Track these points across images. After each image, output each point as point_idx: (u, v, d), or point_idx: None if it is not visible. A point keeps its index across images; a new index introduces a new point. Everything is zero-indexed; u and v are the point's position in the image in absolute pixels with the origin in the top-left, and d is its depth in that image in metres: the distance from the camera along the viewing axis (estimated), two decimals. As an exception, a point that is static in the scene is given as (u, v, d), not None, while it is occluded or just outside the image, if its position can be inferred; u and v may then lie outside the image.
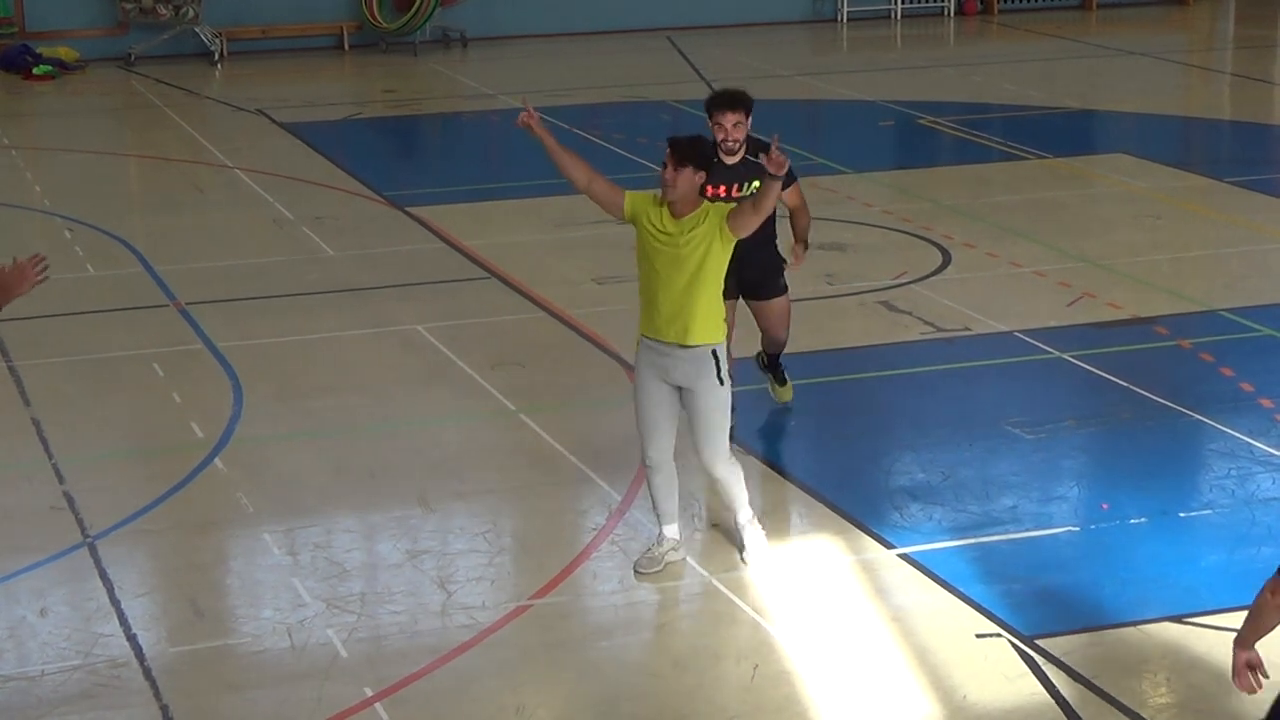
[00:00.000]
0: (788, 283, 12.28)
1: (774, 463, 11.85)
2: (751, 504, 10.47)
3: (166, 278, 16.25)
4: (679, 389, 9.93)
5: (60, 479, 11.83)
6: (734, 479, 10.17)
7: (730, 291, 10.77)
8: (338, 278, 16.49)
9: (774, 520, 10.95)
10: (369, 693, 8.95)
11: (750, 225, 9.67)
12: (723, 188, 11.39)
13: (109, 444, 12.53)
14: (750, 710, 8.76)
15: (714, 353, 9.84)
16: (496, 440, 12.56)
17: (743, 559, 10.31)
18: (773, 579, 10.17)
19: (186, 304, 15.40)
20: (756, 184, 10.45)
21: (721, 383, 9.87)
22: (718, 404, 9.89)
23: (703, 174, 9.74)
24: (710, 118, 11.52)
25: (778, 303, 12.24)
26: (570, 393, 13.51)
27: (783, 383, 12.86)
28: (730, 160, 11.47)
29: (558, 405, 13.11)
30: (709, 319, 9.80)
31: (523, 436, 12.49)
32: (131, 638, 9.59)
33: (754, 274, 11.86)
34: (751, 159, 11.13)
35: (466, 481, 11.72)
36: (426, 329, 14.74)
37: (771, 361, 12.73)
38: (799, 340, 14.37)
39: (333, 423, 12.84)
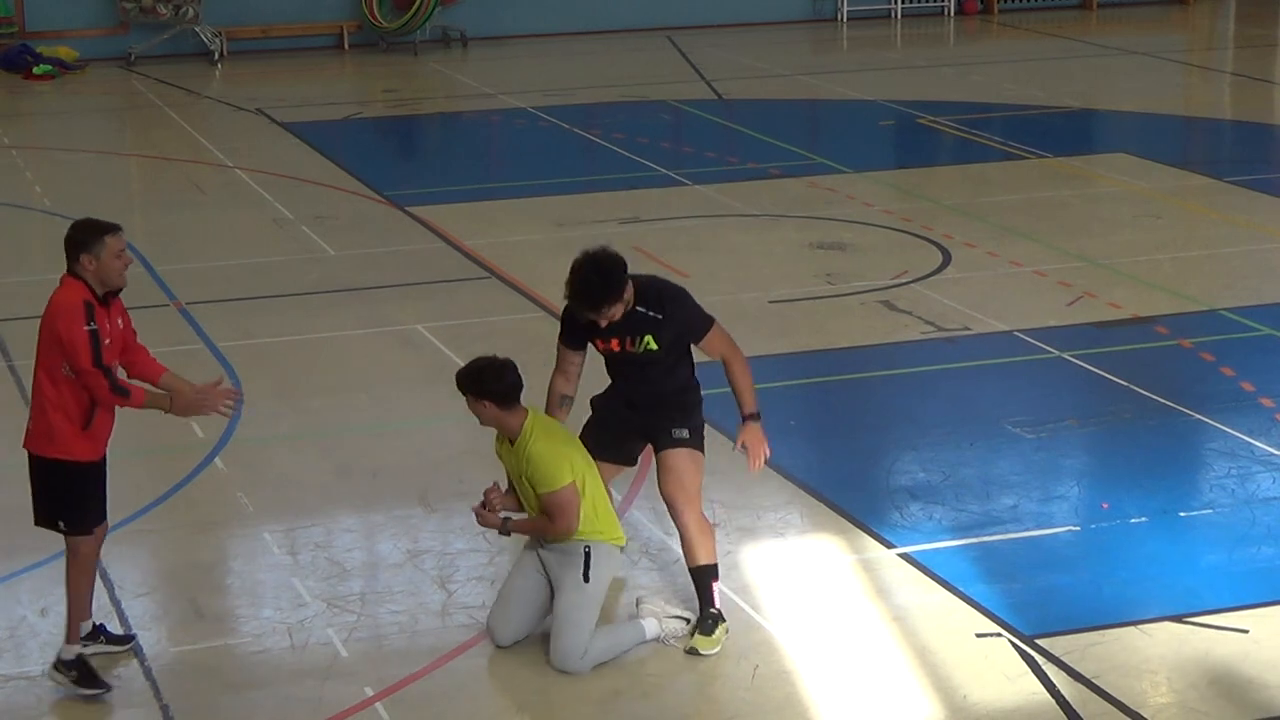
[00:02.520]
0: (698, 428, 9.65)
1: (774, 462, 11.81)
2: (752, 505, 10.42)
3: (166, 277, 16.24)
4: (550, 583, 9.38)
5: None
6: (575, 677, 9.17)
7: (605, 448, 9.63)
8: (338, 277, 16.48)
9: (775, 520, 10.95)
10: (369, 692, 8.95)
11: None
12: (614, 341, 9.46)
13: (115, 438, 12.50)
14: (751, 710, 8.76)
15: (586, 550, 9.23)
16: (494, 440, 12.51)
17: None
18: (773, 578, 10.16)
19: (186, 303, 15.40)
20: (650, 339, 9.34)
21: (587, 581, 9.19)
22: (580, 603, 9.15)
23: (495, 401, 9.19)
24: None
25: (676, 455, 9.53)
26: (570, 392, 13.47)
27: (709, 629, 9.37)
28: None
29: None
30: (584, 518, 9.21)
31: (523, 436, 12.45)
32: (132, 637, 9.58)
33: (648, 413, 9.61)
34: (642, 310, 9.39)
35: (467, 481, 11.68)
36: (426, 328, 14.73)
37: (697, 583, 9.52)
38: (800, 340, 14.39)
39: (333, 422, 12.83)
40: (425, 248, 17.53)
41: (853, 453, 12.27)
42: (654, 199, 19.20)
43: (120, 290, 8.95)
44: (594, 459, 9.43)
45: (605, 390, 9.82)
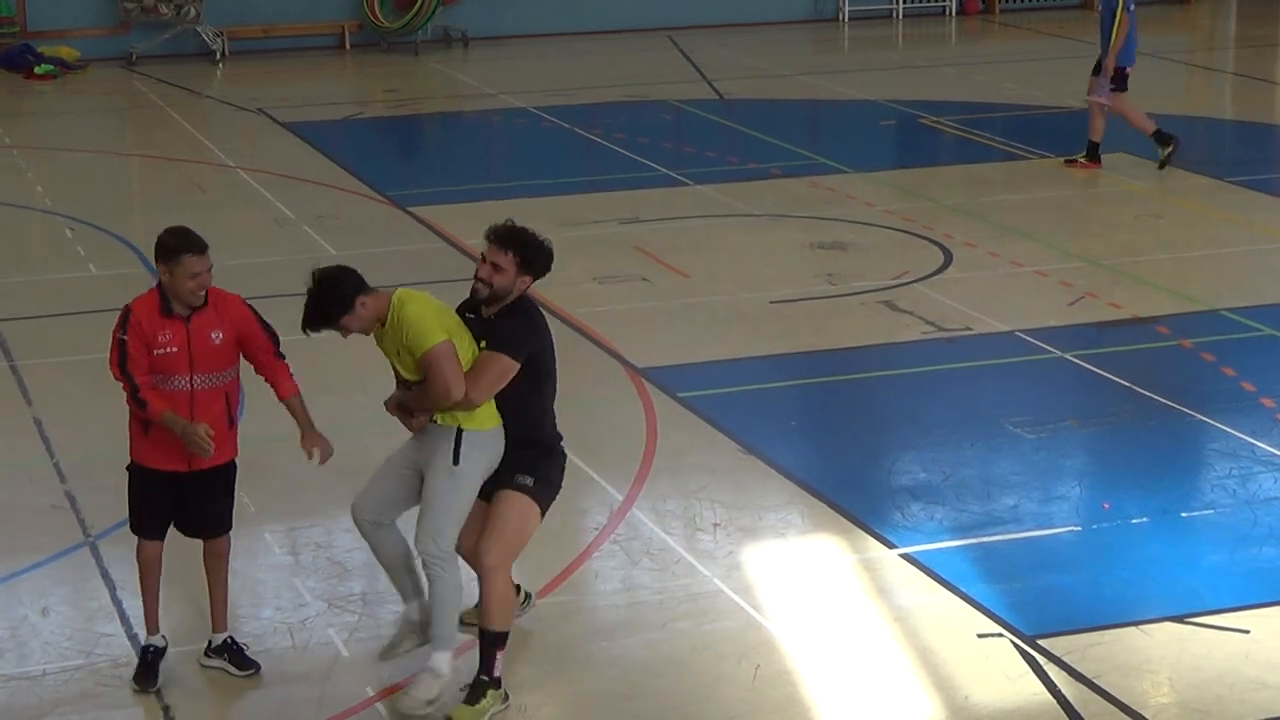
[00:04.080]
0: (547, 483, 9.02)
1: (775, 462, 11.83)
2: (753, 505, 10.44)
3: (168, 277, 16.22)
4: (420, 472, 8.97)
5: (62, 478, 11.83)
6: (444, 580, 8.72)
7: None
8: (339, 277, 16.44)
9: (776, 520, 10.95)
10: (370, 692, 8.96)
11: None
12: (482, 343, 8.94)
13: (110, 443, 12.48)
14: (752, 710, 8.76)
15: (457, 431, 8.78)
16: (498, 440, 12.53)
17: (406, 691, 8.80)
18: (774, 579, 10.16)
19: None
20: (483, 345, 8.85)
21: (457, 464, 8.74)
22: (447, 487, 8.74)
23: (364, 293, 8.80)
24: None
25: (509, 499, 8.86)
26: (571, 392, 13.40)
27: (475, 698, 8.73)
28: (485, 310, 8.97)
29: (559, 404, 13.05)
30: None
31: (524, 436, 12.45)
32: (133, 637, 9.59)
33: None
34: (495, 317, 8.90)
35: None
36: (428, 328, 14.70)
37: (481, 644, 8.82)
38: (802, 340, 14.39)
39: (334, 422, 12.75)
40: (426, 247, 17.53)
41: (854, 453, 12.28)
42: (655, 199, 19.19)
43: (200, 306, 8.96)
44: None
45: None
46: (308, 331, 8.94)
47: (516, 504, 8.80)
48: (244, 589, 10.18)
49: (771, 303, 15.35)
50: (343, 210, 19.06)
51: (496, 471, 8.87)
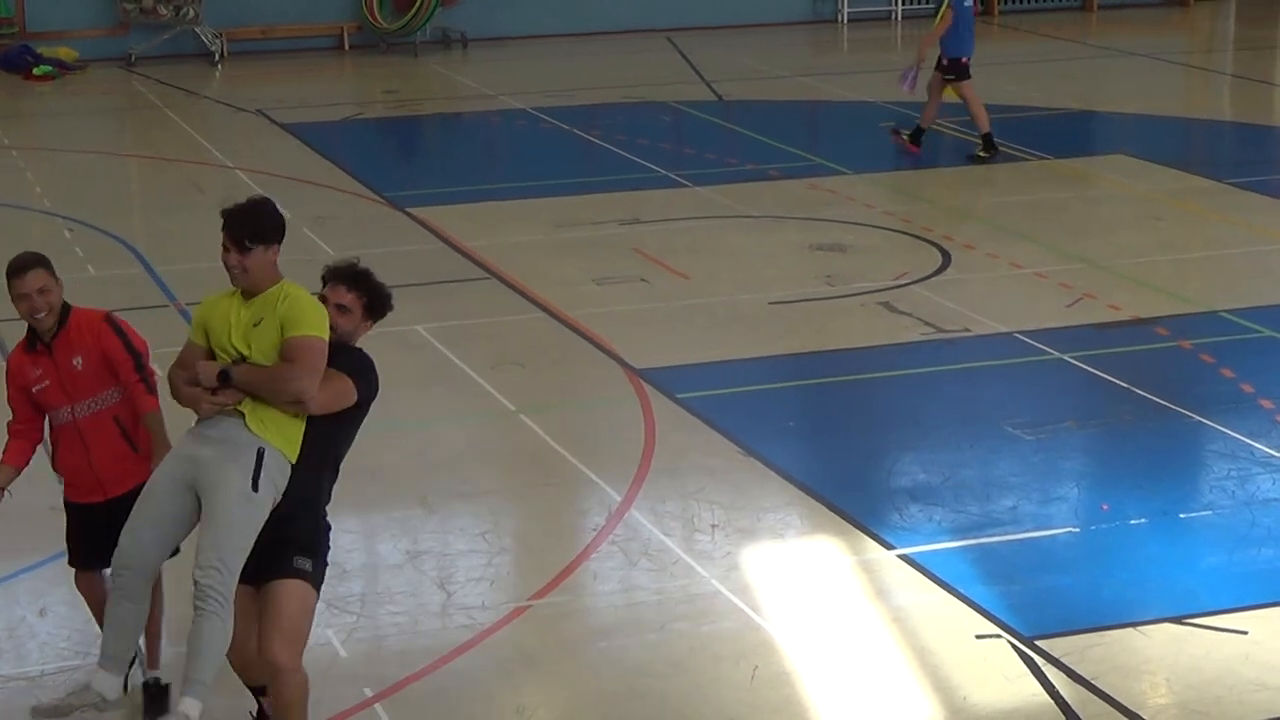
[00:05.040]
0: (322, 568, 8.16)
1: (774, 463, 11.83)
2: (751, 506, 10.42)
3: (167, 278, 16.24)
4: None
5: (59, 480, 11.80)
6: (220, 619, 7.70)
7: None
8: (338, 278, 16.43)
9: (775, 521, 10.95)
10: (369, 693, 8.95)
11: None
12: None
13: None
14: (750, 711, 8.75)
15: (260, 450, 7.84)
16: (496, 440, 12.56)
17: None
18: (773, 580, 10.16)
19: (187, 304, 15.38)
20: None
21: (256, 490, 7.78)
22: (241, 511, 7.75)
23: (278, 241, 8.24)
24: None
25: (289, 589, 7.91)
26: (569, 393, 13.51)
27: None
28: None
29: (557, 405, 13.11)
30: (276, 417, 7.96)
31: (522, 437, 12.48)
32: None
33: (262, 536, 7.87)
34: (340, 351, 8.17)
35: (466, 482, 11.72)
36: (426, 329, 14.72)
37: None
38: (801, 341, 14.38)
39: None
40: (424, 248, 17.52)
41: (852, 454, 12.27)
42: (654, 200, 19.19)
43: (46, 331, 8.49)
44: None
45: None
46: (228, 233, 8.24)
47: (299, 593, 7.84)
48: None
49: (770, 304, 15.34)
50: (341, 211, 19.05)
51: (268, 546, 7.78)
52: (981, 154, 20.81)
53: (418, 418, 12.91)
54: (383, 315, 8.45)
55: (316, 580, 7.98)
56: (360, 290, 8.26)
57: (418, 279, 16.40)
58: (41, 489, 11.55)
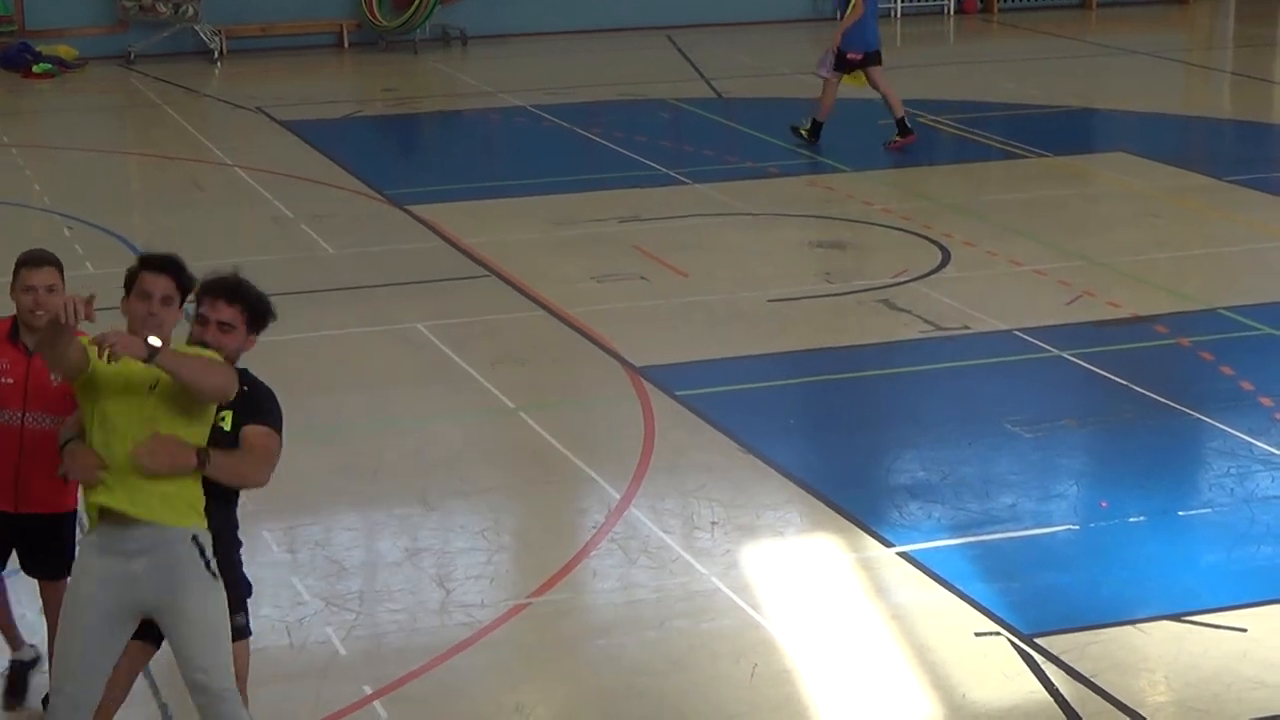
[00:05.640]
0: (245, 614, 7.76)
1: (773, 461, 11.83)
2: (751, 503, 10.40)
3: (166, 276, 16.21)
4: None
5: (60, 477, 11.81)
6: (243, 714, 7.32)
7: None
8: (337, 276, 16.48)
9: (774, 518, 10.95)
10: (368, 691, 8.95)
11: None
12: None
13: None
14: (749, 709, 8.76)
15: (195, 538, 7.26)
16: (496, 438, 12.57)
17: None
18: (772, 577, 10.16)
19: (186, 301, 15.36)
20: (228, 416, 7.58)
21: (216, 577, 7.27)
22: (217, 603, 7.29)
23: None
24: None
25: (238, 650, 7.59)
26: (569, 390, 13.52)
27: None
28: None
29: (557, 403, 13.12)
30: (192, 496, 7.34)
31: (522, 434, 12.48)
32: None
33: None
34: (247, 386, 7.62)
35: (466, 479, 11.72)
36: (426, 327, 14.73)
37: None
38: (800, 338, 14.38)
39: (333, 420, 12.82)
40: (424, 246, 17.52)
41: (852, 451, 12.27)
42: (653, 198, 19.19)
43: (39, 328, 8.12)
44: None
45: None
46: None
47: (241, 654, 7.55)
48: (242, 587, 10.15)
49: (769, 301, 15.35)
50: (341, 208, 19.05)
51: None
52: (896, 140, 21.24)
53: (417, 415, 12.92)
54: (265, 327, 7.75)
55: (248, 634, 7.72)
56: (242, 304, 7.61)
57: (417, 276, 16.42)
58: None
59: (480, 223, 18.24)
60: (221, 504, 7.54)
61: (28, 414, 8.21)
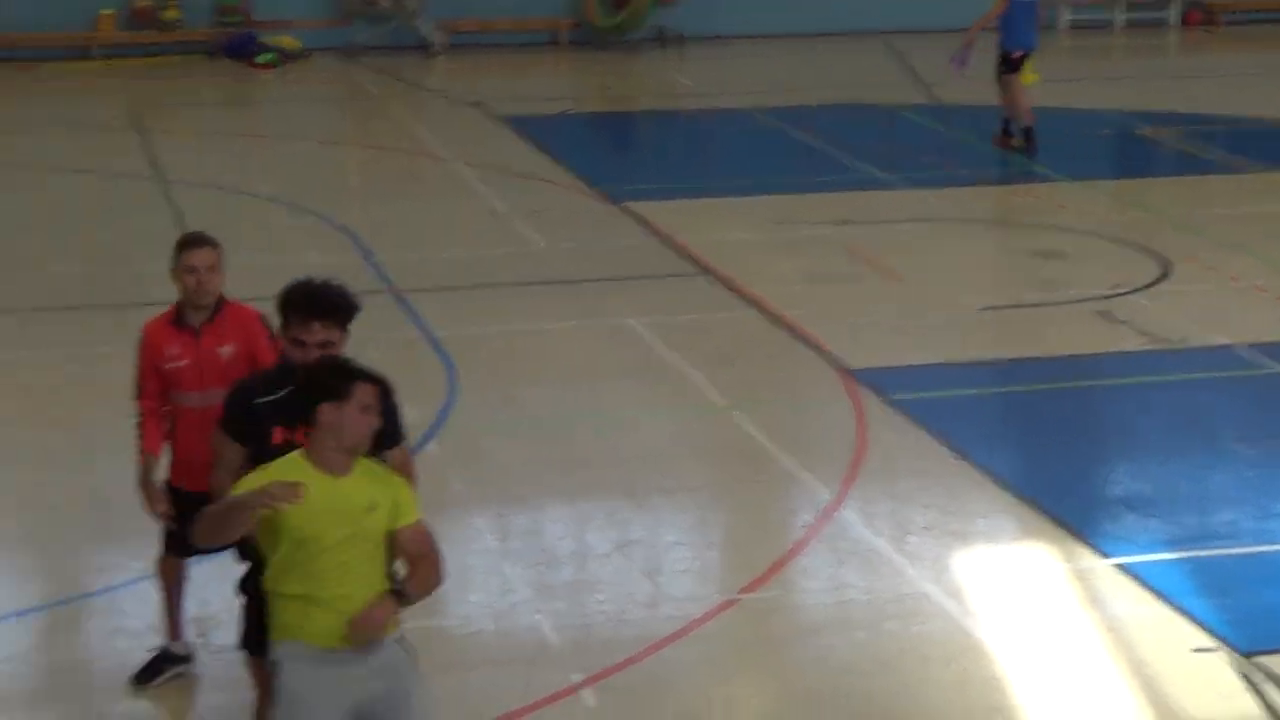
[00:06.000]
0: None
1: (986, 468, 11.70)
2: (963, 510, 10.29)
3: (384, 265, 16.43)
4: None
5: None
6: None
7: None
8: (552, 270, 16.57)
9: (986, 525, 10.84)
10: (576, 679, 8.98)
11: None
12: (300, 431, 7.03)
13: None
14: (958, 714, 8.67)
15: (400, 639, 7.04)
16: (705, 436, 12.56)
17: None
18: (984, 584, 10.06)
19: (403, 292, 15.55)
20: None
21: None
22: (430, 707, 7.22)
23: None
24: (287, 324, 7.44)
25: None
26: (780, 390, 13.47)
27: None
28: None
29: (768, 402, 13.08)
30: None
31: (732, 433, 12.47)
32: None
33: None
34: None
35: (675, 476, 11.72)
36: (638, 323, 14.76)
37: None
38: (1014, 347, 14.23)
39: (545, 413, 12.89)
40: (638, 243, 17.56)
41: (1067, 461, 12.10)
42: (868, 201, 19.09)
43: (205, 307, 8.51)
44: None
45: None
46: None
47: None
48: (452, 572, 10.13)
49: (984, 309, 15.20)
50: (555, 204, 19.17)
51: None
52: (1017, 144, 21.03)
53: (626, 410, 12.95)
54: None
55: None
56: (335, 319, 7.31)
57: (631, 273, 16.47)
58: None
59: (694, 221, 18.25)
60: None
61: (207, 393, 8.40)
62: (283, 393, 7.24)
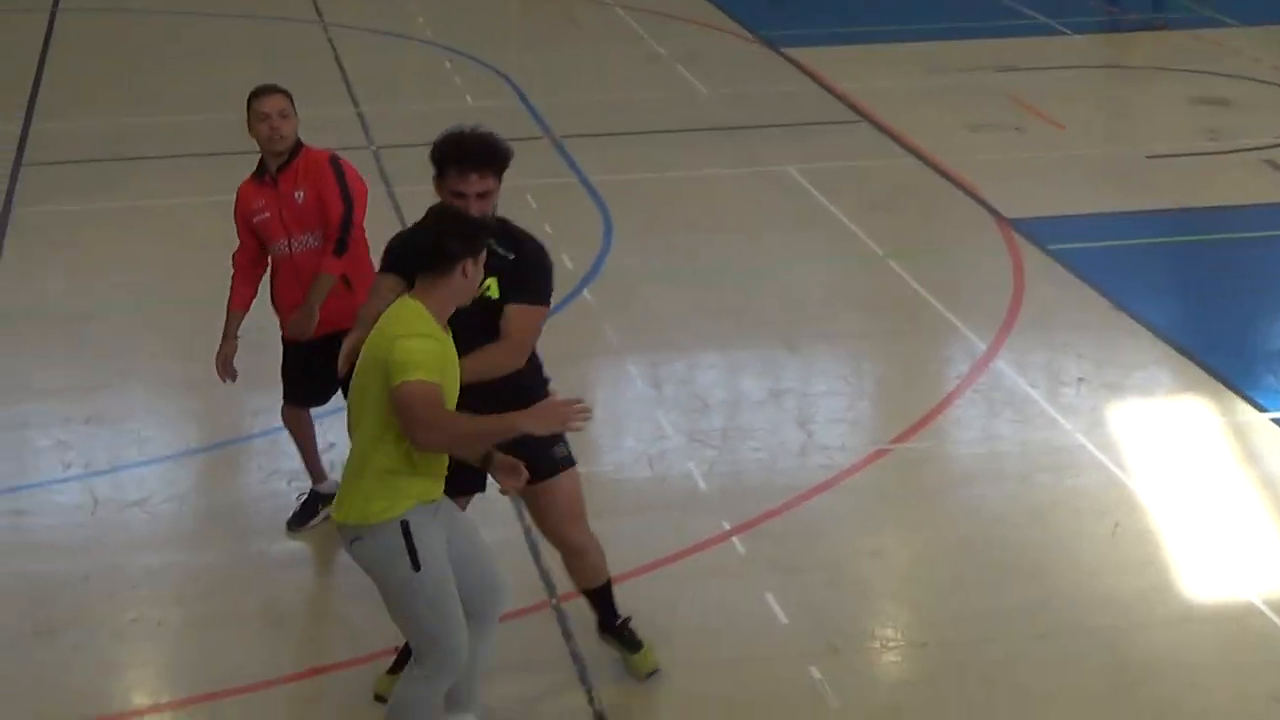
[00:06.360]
0: (565, 441, 7.38)
1: (1144, 320, 11.57)
2: (1119, 361, 10.21)
3: (542, 110, 16.44)
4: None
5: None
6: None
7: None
8: (710, 116, 16.51)
9: (1143, 378, 10.74)
10: (727, 526, 9.03)
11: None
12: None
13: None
14: (1109, 567, 8.62)
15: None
16: (862, 284, 12.51)
17: None
18: (1138, 436, 9.98)
19: (560, 137, 15.57)
20: (492, 285, 7.02)
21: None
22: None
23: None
24: (443, 176, 7.09)
25: (564, 483, 7.44)
26: (938, 239, 13.38)
27: (636, 647, 7.75)
28: None
29: (925, 251, 13.00)
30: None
31: (889, 281, 12.41)
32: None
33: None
34: (494, 244, 6.91)
35: (831, 323, 11.71)
36: (797, 170, 14.69)
37: (601, 609, 7.75)
38: (1177, 196, 14.01)
39: (700, 260, 12.90)
40: (797, 89, 17.44)
41: (1227, 314, 11.94)
42: (1031, 47, 18.82)
43: (280, 154, 8.62)
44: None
45: None
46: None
47: (571, 480, 7.42)
48: (606, 419, 10.30)
49: (1148, 158, 14.97)
50: (714, 49, 19.06)
51: (527, 450, 6.91)
52: None
53: (783, 258, 12.92)
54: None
55: (570, 455, 7.44)
56: (492, 167, 7.05)
57: (790, 120, 16.38)
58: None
59: (854, 67, 18.09)
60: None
61: (293, 239, 8.63)
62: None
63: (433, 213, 6.73)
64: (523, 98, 16.93)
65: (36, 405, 10.65)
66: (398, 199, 14.05)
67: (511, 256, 7.15)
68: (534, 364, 7.31)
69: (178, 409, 10.72)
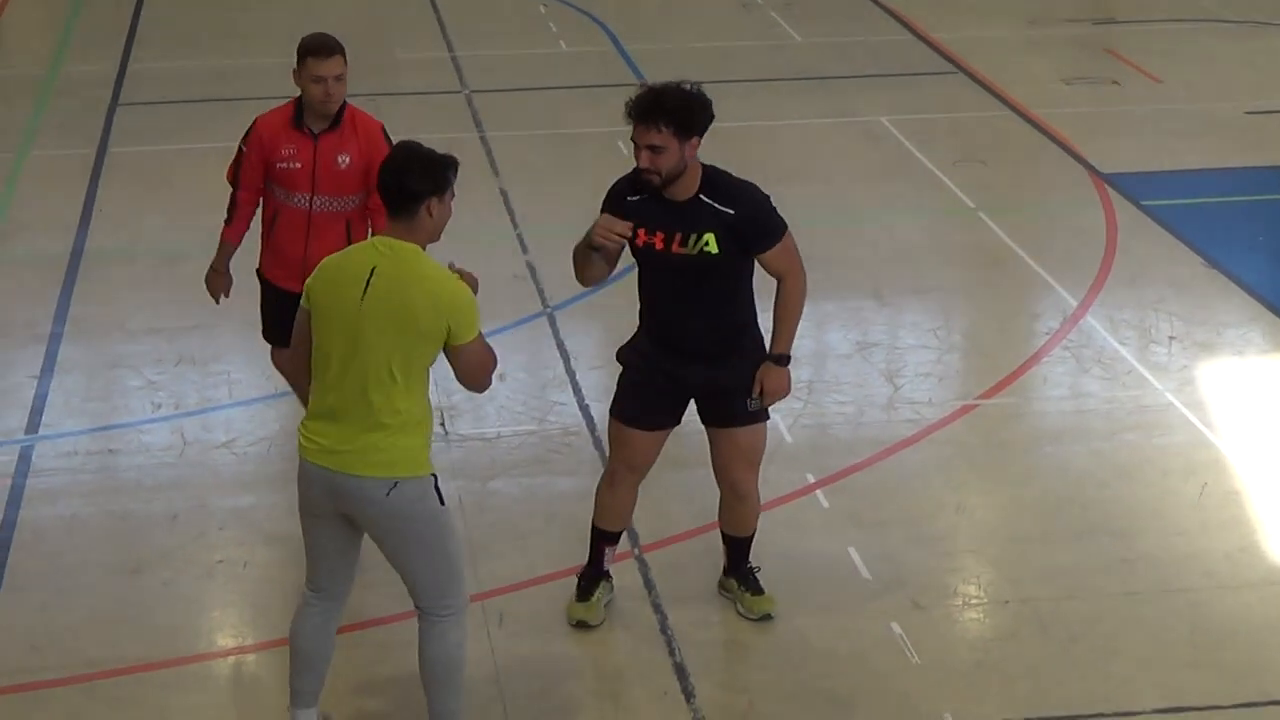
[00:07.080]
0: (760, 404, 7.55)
1: (1239, 278, 11.46)
2: (1212, 320, 10.11)
3: (635, 56, 16.40)
4: None
5: (524, 249, 12.13)
6: None
7: (651, 413, 7.69)
8: (803, 64, 16.44)
9: (1235, 336, 10.65)
10: (810, 479, 9.03)
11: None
12: (660, 235, 7.35)
13: (570, 218, 12.70)
14: (1196, 528, 8.57)
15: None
16: (953, 237, 12.45)
17: None
18: (1228, 396, 9.90)
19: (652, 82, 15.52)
20: (711, 239, 7.25)
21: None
22: None
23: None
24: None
25: (752, 434, 7.65)
26: (1032, 194, 13.30)
27: (759, 590, 7.91)
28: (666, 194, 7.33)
29: (1018, 206, 12.92)
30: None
31: (980, 235, 12.34)
32: (584, 408, 9.84)
33: (704, 364, 7.49)
34: (707, 200, 7.27)
35: (920, 277, 11.66)
36: (890, 120, 14.62)
37: (737, 554, 7.96)
38: (1276, 154, 13.85)
39: (792, 210, 12.62)
40: (893, 39, 17.35)
41: (1323, 273, 11.84)
42: (1130, 0, 18.64)
43: (329, 115, 8.36)
44: (636, 429, 7.73)
45: (636, 335, 7.79)
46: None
47: (759, 434, 7.59)
48: (693, 369, 10.27)
49: (1247, 113, 14.81)
50: (809, -3, 18.97)
51: (720, 394, 7.44)
52: None
53: (874, 208, 12.88)
54: (707, 125, 7.29)
55: (767, 413, 7.64)
56: (665, 120, 7.12)
57: (884, 70, 16.30)
58: (506, 258, 11.90)
59: (950, 17, 17.96)
60: (730, 298, 7.49)
61: (316, 197, 8.41)
62: (641, 196, 7.34)
63: (399, 148, 6.69)
64: (617, 44, 16.90)
65: (128, 345, 10.76)
66: (489, 143, 14.07)
67: (730, 211, 7.28)
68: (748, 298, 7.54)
69: (267, 352, 10.78)
